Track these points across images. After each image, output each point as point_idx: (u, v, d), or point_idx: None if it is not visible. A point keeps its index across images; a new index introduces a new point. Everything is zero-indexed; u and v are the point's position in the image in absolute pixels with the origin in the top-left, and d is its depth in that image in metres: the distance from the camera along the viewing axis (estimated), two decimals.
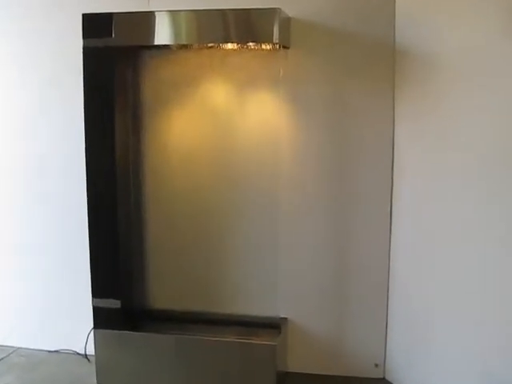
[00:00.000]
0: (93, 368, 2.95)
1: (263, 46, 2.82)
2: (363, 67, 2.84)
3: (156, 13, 2.76)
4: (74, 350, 3.26)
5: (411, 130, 2.79)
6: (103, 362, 2.93)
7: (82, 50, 2.78)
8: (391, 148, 2.85)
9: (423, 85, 2.69)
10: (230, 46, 2.85)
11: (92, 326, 2.93)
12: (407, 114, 2.79)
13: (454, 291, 2.51)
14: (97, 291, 2.91)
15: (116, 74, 2.90)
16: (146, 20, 2.77)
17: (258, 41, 2.74)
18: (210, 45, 2.85)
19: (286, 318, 3.01)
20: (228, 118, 2.97)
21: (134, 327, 2.98)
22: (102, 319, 2.92)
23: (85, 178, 2.86)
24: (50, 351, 3.29)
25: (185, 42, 2.82)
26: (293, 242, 2.97)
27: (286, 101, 2.88)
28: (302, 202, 2.95)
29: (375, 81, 2.84)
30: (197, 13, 2.75)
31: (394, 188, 2.87)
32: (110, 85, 2.87)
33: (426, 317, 2.72)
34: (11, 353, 3.30)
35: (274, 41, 2.62)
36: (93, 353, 2.96)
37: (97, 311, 2.92)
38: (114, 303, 2.94)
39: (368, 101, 2.84)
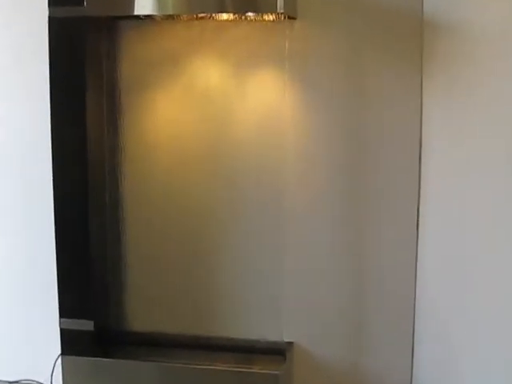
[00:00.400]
0: None
1: (265, 17, 2.52)
2: (385, 42, 2.52)
3: None
4: (37, 380, 2.99)
5: (442, 119, 2.51)
6: None
7: (47, 22, 2.50)
8: (418, 139, 2.54)
9: (457, 64, 2.45)
10: (224, 16, 2.54)
11: (59, 351, 2.69)
12: (437, 99, 2.51)
13: (496, 313, 2.37)
14: (65, 310, 2.67)
15: (88, 50, 2.62)
16: None
17: (258, 10, 2.44)
18: (200, 15, 2.54)
19: (291, 343, 2.71)
20: (223, 104, 2.67)
21: (110, 353, 2.74)
22: (72, 344, 2.68)
23: (50, 175, 2.60)
24: (9, 382, 3.02)
25: (171, 12, 2.51)
26: (301, 253, 2.66)
27: (292, 82, 2.58)
28: (312, 204, 2.64)
29: (399, 59, 2.53)
30: None
31: (421, 186, 2.56)
32: (81, 63, 2.59)
33: (460, 341, 2.50)
34: None
35: (278, 10, 2.33)
36: (61, 383, 2.70)
37: (65, 334, 2.68)
38: (85, 324, 2.69)
39: (390, 83, 2.53)
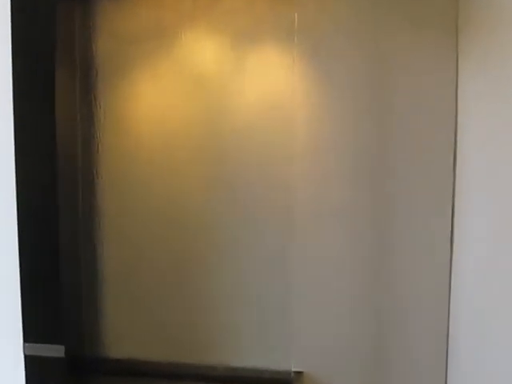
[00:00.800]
0: None
1: None
2: (415, 10, 2.29)
3: None
4: None
5: (482, 109, 2.26)
6: None
7: None
8: (453, 132, 2.29)
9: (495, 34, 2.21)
10: None
11: (23, 382, 2.44)
12: (475, 86, 2.28)
13: None
14: (30, 334, 2.44)
15: (58, 22, 2.37)
16: None
17: None
18: None
19: (301, 373, 2.49)
20: (219, 87, 2.41)
21: (84, 383, 2.55)
22: (38, 373, 2.46)
23: (13, 171, 2.34)
24: None
25: None
26: (312, 270, 2.42)
27: (303, 61, 2.34)
28: (325, 209, 2.39)
29: (432, 29, 2.29)
30: None
31: (456, 189, 2.30)
32: (49, 38, 2.35)
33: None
34: None
35: None
36: None
37: (31, 362, 2.45)
38: (54, 350, 2.44)
39: (421, 58, 2.29)
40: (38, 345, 2.43)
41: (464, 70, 2.27)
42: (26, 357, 2.43)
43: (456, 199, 2.28)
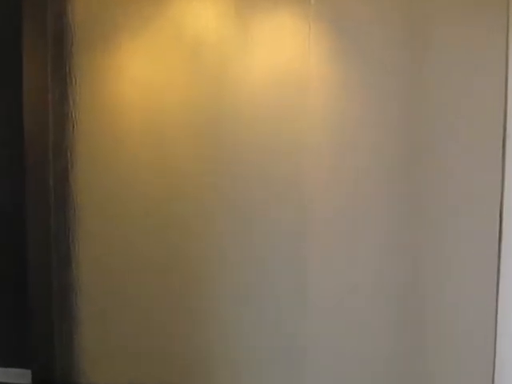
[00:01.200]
0: None
1: None
2: None
3: None
4: None
5: None
6: None
7: None
8: (502, 118, 1.94)
9: None
10: None
11: None
12: None
13: None
14: None
15: None
16: None
17: None
18: None
19: None
20: (221, 57, 2.05)
21: None
22: None
23: None
24: None
25: None
26: (328, 285, 2.04)
27: (319, 25, 1.99)
28: (346, 205, 2.02)
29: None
30: None
31: (505, 185, 1.95)
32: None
33: None
34: None
35: None
36: None
37: None
38: (21, 375, 2.23)
39: (464, 29, 1.93)
40: (3, 369, 2.22)
41: None
42: None
43: (505, 198, 1.96)
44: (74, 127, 2.10)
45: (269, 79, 2.00)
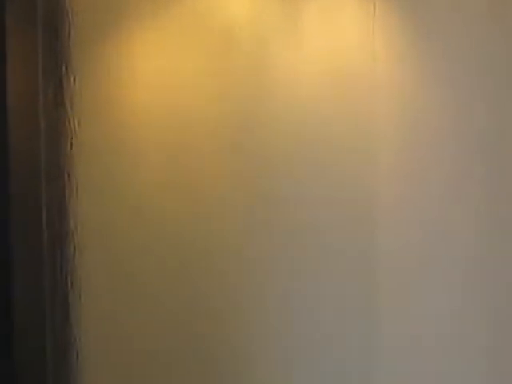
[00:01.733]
0: None
1: None
2: None
3: None
4: None
5: None
6: None
7: None
8: None
9: None
10: None
11: None
12: None
13: None
14: None
15: None
16: None
17: None
18: None
19: None
20: (261, 50, 1.65)
21: None
22: None
23: None
24: None
25: None
26: (401, 312, 1.73)
27: (387, 8, 1.65)
28: (420, 228, 1.74)
29: None
30: None
31: None
32: None
33: None
34: None
35: None
36: None
37: None
38: None
39: None
40: None
41: None
42: None
43: None
44: (71, 137, 1.65)
45: (324, 75, 1.64)
